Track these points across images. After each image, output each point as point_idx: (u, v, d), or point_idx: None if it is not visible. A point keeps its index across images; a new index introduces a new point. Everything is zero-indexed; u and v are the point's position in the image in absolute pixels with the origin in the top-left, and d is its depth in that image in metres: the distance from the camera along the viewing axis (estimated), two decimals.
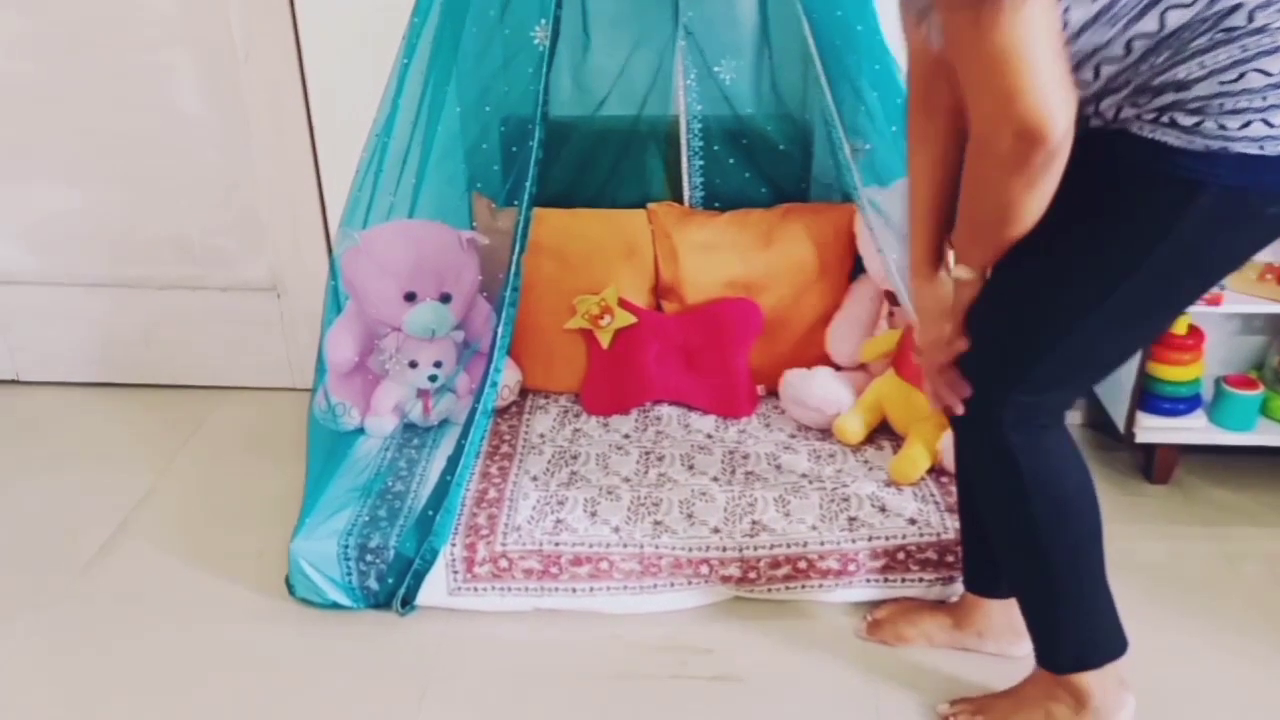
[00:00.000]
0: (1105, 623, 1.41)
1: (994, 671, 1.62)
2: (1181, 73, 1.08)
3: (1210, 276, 1.26)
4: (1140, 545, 1.94)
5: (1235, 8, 1.04)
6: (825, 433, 2.05)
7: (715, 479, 1.91)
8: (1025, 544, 1.39)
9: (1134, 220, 1.16)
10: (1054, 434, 1.36)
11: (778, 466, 1.94)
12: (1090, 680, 1.42)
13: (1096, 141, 1.15)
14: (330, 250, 2.27)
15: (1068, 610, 1.41)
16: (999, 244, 1.21)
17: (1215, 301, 1.96)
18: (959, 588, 1.72)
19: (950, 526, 1.74)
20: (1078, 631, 1.42)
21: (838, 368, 2.13)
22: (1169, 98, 1.10)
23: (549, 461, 1.97)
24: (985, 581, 1.63)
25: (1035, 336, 1.27)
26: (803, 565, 1.74)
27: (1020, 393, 1.31)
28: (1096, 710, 1.42)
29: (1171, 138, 1.10)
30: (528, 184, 1.80)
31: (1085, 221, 1.19)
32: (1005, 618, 1.63)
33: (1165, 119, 1.10)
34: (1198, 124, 1.09)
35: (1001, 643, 1.65)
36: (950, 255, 1.20)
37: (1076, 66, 1.12)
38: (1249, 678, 1.63)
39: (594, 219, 2.19)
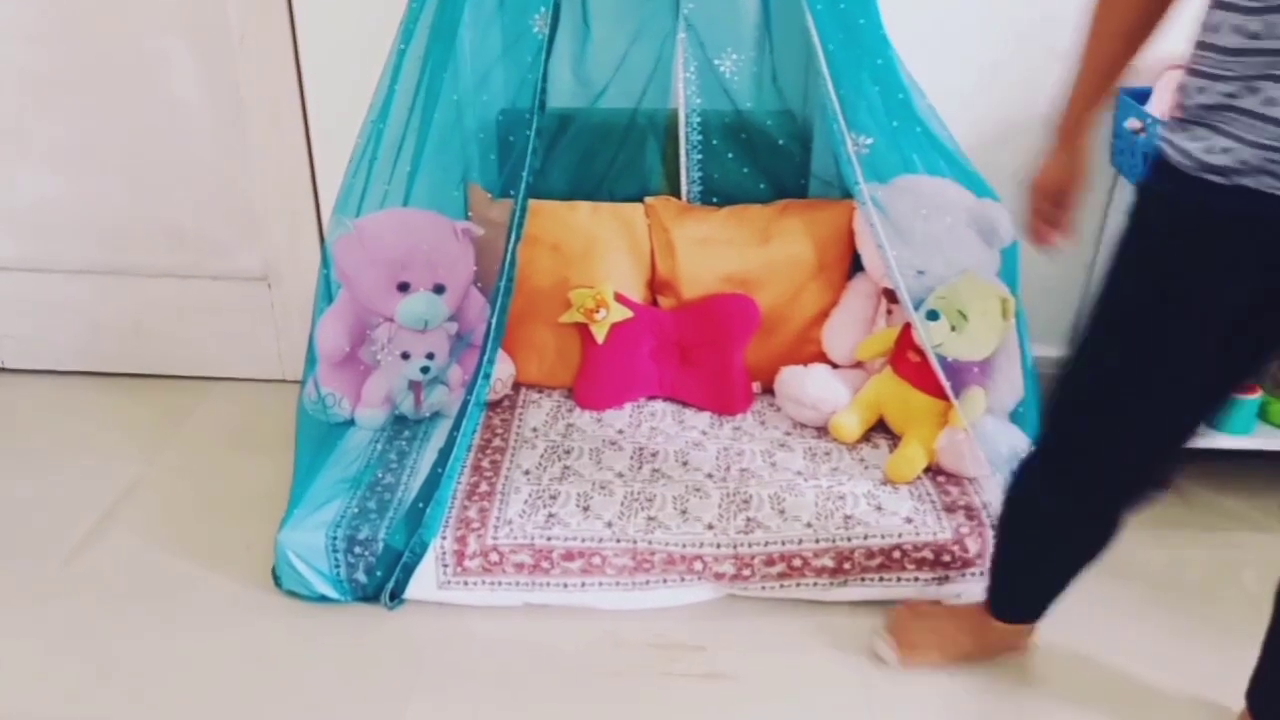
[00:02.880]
0: None
1: (993, 671, 1.61)
2: None
3: None
4: (1139, 551, 1.91)
5: None
6: (821, 431, 2.02)
7: (710, 475, 1.88)
8: None
9: None
10: None
11: (773, 464, 1.92)
12: None
13: None
14: (323, 240, 2.25)
15: None
16: None
17: None
18: (954, 588, 1.71)
19: (946, 525, 1.72)
20: None
21: (834, 365, 2.11)
22: None
23: (541, 456, 1.94)
24: (1021, 612, 1.60)
25: None
26: (797, 563, 1.72)
27: None
28: None
29: None
30: (524, 175, 1.78)
31: None
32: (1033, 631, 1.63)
33: None
34: None
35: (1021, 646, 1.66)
36: None
37: None
38: None
39: (591, 212, 2.17)
